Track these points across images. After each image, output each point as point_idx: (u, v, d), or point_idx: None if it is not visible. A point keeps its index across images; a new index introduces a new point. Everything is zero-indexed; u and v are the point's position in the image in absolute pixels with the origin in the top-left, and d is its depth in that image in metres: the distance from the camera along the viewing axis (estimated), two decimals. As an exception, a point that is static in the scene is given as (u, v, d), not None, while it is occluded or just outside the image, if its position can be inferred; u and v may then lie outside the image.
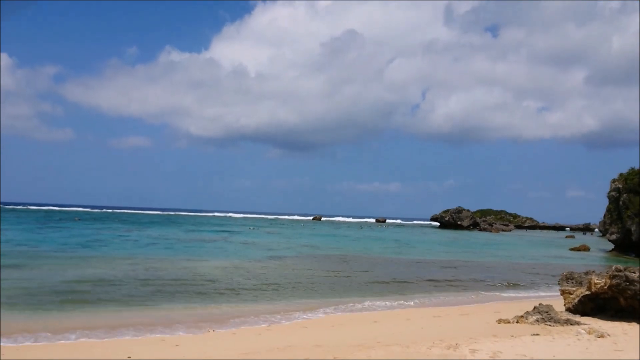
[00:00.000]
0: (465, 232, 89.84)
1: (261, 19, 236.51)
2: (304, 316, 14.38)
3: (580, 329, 11.08)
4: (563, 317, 12.32)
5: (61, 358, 9.31)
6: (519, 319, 12.45)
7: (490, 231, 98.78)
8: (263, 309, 15.08)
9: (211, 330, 12.14)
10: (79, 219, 75.06)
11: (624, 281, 12.24)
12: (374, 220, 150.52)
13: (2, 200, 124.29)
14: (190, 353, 9.69)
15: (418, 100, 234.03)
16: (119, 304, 14.98)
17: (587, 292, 13.24)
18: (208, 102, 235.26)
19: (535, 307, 12.73)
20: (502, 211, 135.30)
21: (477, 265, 32.07)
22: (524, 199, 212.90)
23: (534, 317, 12.27)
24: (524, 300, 17.73)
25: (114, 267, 22.40)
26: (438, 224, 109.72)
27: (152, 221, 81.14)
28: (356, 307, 16.17)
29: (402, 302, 17.44)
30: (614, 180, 49.55)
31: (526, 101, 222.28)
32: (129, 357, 9.31)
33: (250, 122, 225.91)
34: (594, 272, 14.16)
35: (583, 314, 13.14)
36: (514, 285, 23.09)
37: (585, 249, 49.88)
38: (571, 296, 13.73)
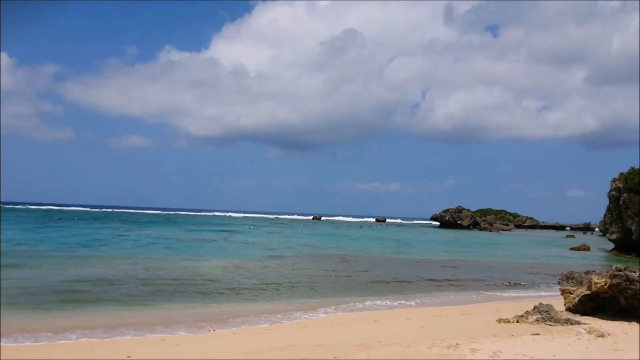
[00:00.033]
0: (466, 232, 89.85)
1: (261, 18, 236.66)
2: (305, 316, 14.38)
3: (580, 329, 11.07)
4: (563, 317, 12.31)
5: (62, 358, 9.30)
6: (519, 319, 12.44)
7: (491, 231, 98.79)
8: (263, 309, 15.07)
9: (211, 330, 12.13)
10: (78, 219, 75.04)
11: (624, 281, 12.23)
12: (374, 219, 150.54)
13: (1, 199, 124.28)
14: (191, 353, 9.68)
15: (418, 99, 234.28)
16: (119, 304, 14.97)
17: (588, 292, 13.23)
18: (208, 102, 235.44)
19: (535, 307, 12.72)
20: (502, 211, 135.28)
21: (478, 264, 32.06)
22: (524, 198, 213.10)
23: (534, 317, 12.26)
24: (524, 300, 17.73)
25: (113, 267, 22.39)
26: (438, 223, 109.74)
27: (152, 221, 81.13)
28: (356, 306, 16.17)
29: (402, 301, 17.44)
30: (614, 180, 49.55)
31: (526, 101, 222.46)
32: (129, 356, 9.31)
33: (250, 122, 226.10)
34: (594, 271, 14.16)
35: (583, 314, 13.14)
36: (514, 285, 23.09)
37: (585, 248, 49.87)
38: (571, 296, 13.72)
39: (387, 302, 17.21)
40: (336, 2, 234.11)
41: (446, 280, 23.59)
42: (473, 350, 8.89)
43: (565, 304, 13.82)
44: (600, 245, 57.80)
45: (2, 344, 10.22)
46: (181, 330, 12.00)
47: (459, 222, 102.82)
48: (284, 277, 21.88)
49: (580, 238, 78.43)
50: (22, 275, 19.05)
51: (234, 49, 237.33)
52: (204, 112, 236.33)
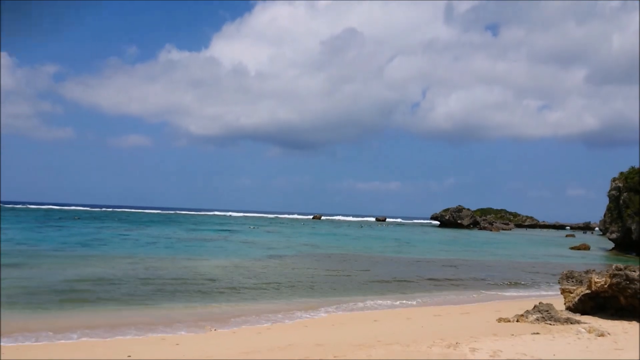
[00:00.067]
0: (466, 231, 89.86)
1: (261, 17, 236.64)
2: (305, 315, 14.38)
3: (580, 328, 11.07)
4: (563, 316, 12.32)
5: (62, 357, 9.31)
6: (519, 318, 12.44)
7: (491, 230, 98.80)
8: (264, 308, 15.08)
9: (212, 330, 12.13)
10: (78, 218, 75.04)
11: (624, 280, 12.24)
12: (374, 219, 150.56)
13: (2, 199, 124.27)
14: (191, 352, 9.69)
15: (418, 98, 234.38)
16: (119, 303, 14.97)
17: (588, 291, 13.24)
18: (208, 101, 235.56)
19: (535, 306, 12.72)
20: (502, 210, 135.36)
21: (478, 264, 32.08)
22: (524, 197, 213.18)
23: (534, 316, 12.26)
24: (524, 299, 17.74)
25: (114, 266, 22.40)
26: (438, 222, 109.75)
27: (152, 220, 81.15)
28: (357, 306, 16.18)
29: (402, 301, 17.45)
30: (614, 179, 49.56)
31: (526, 100, 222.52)
32: (129, 356, 9.32)
33: (250, 121, 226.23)
34: (594, 270, 14.16)
35: (583, 313, 13.14)
36: (515, 284, 23.10)
37: (585, 247, 49.88)
38: (571, 295, 13.73)
39: (388, 301, 17.22)
40: (336, 1, 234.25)
41: (446, 279, 23.60)
42: (473, 350, 8.89)
43: (565, 303, 13.83)
44: (600, 244, 57.81)
45: (3, 343, 10.23)
46: (182, 329, 12.00)
47: (459, 221, 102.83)
48: (284, 277, 21.89)
49: (580, 237, 78.44)
50: (23, 274, 19.05)
51: (234, 48, 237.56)
52: (204, 112, 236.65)
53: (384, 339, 10.30)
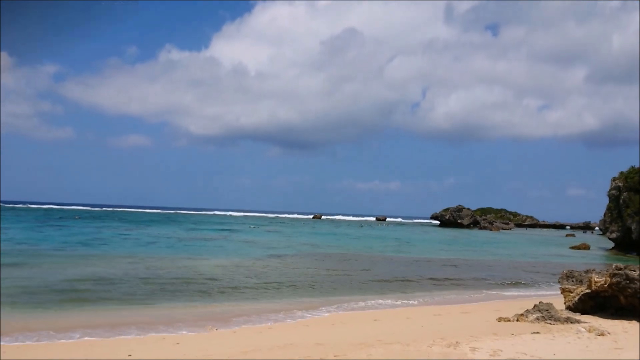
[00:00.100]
0: (466, 231, 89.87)
1: (261, 17, 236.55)
2: (305, 315, 14.40)
3: (580, 327, 11.08)
4: (563, 316, 12.33)
5: (63, 357, 9.32)
6: (519, 317, 12.45)
7: (491, 230, 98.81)
8: (264, 308, 15.09)
9: (214, 329, 12.15)
10: (79, 218, 75.09)
11: (624, 279, 12.25)
12: (374, 218, 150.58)
13: (2, 198, 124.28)
14: (191, 351, 9.70)
15: (418, 98, 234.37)
16: (120, 303, 14.99)
17: (588, 291, 13.25)
18: (208, 101, 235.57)
19: (535, 306, 12.73)
20: (502, 209, 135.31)
21: (478, 263, 32.09)
22: (524, 197, 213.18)
23: (534, 316, 12.27)
24: (525, 299, 17.74)
25: (114, 266, 22.41)
26: (438, 222, 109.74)
27: (152, 220, 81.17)
28: (357, 305, 16.19)
29: (403, 300, 17.46)
30: (614, 179, 49.56)
31: (526, 100, 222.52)
32: (130, 355, 9.33)
33: (250, 121, 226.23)
34: (594, 270, 14.18)
35: (583, 312, 13.15)
36: (515, 284, 23.11)
37: (585, 247, 49.90)
38: (571, 294, 13.74)
39: (388, 300, 17.24)
40: (336, 1, 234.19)
41: (447, 279, 23.61)
42: (473, 349, 8.90)
43: (565, 303, 13.84)
44: (600, 244, 57.81)
45: (3, 343, 10.24)
46: (183, 329, 12.02)
47: (459, 221, 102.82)
48: (285, 276, 21.90)
49: (581, 237, 78.45)
50: (23, 274, 19.07)
51: (234, 48, 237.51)
52: (204, 112, 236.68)
53: (384, 338, 10.31)
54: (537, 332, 10.65)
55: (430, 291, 19.84)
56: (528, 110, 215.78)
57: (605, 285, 12.66)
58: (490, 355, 8.55)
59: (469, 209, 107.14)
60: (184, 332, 11.73)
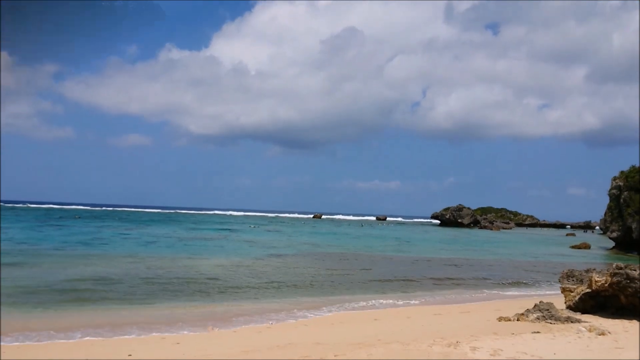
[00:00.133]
0: (466, 230, 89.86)
1: (261, 16, 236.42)
2: (306, 314, 14.40)
3: (580, 327, 11.07)
4: (564, 315, 12.32)
5: (64, 357, 9.32)
6: (520, 317, 12.44)
7: (491, 229, 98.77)
8: (264, 307, 15.10)
9: (215, 329, 12.14)
10: (79, 217, 75.12)
11: (625, 279, 12.24)
12: (374, 218, 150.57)
13: (2, 198, 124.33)
14: (191, 351, 9.70)
15: (418, 98, 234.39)
16: (121, 303, 14.99)
17: (588, 290, 13.24)
18: (208, 100, 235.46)
19: (535, 305, 12.72)
20: (502, 209, 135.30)
21: (478, 263, 32.08)
22: (525, 196, 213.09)
23: (535, 315, 12.26)
24: (525, 298, 17.74)
25: (114, 266, 22.42)
26: (438, 221, 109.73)
27: (153, 219, 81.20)
28: (357, 305, 16.19)
29: (403, 300, 17.46)
30: (614, 178, 49.53)
31: (527, 99, 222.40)
32: (130, 355, 9.33)
33: (251, 120, 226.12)
34: (594, 269, 14.15)
35: (584, 312, 13.14)
36: (515, 283, 23.10)
37: (586, 246, 49.89)
38: (572, 294, 13.73)
39: (389, 300, 17.24)
40: (336, 0, 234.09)
41: (447, 278, 23.61)
42: (473, 349, 8.89)
43: (565, 302, 13.83)
44: (600, 243, 57.80)
45: (3, 343, 10.24)
46: (184, 329, 12.02)
47: (459, 220, 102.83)
48: (285, 276, 21.90)
49: (581, 236, 78.42)
50: (23, 274, 19.08)
51: (234, 47, 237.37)
52: (204, 111, 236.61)
53: (384, 337, 10.31)
54: (538, 332, 10.64)
55: (430, 291, 19.83)
56: (528, 109, 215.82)
57: (606, 285, 12.65)
58: (491, 354, 8.54)
59: (469, 208, 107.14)
60: (185, 332, 11.73)
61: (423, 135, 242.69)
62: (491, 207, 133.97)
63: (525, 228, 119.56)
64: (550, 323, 11.73)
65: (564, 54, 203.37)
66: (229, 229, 60.95)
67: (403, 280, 22.40)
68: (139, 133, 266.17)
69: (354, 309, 15.62)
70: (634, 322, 11.83)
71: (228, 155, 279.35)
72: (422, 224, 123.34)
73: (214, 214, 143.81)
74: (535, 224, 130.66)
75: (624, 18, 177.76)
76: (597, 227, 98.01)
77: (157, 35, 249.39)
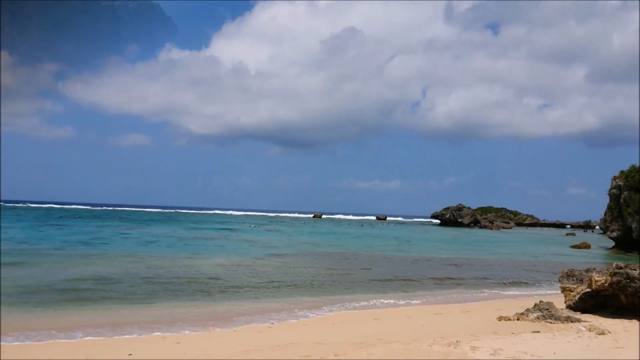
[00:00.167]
0: (466, 230, 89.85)
1: (261, 16, 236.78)
2: (306, 314, 14.41)
3: (580, 326, 11.08)
4: (564, 315, 12.33)
5: (64, 356, 9.33)
6: (520, 316, 12.46)
7: (491, 229, 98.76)
8: (265, 307, 15.11)
9: (216, 329, 12.16)
10: (79, 217, 75.13)
11: (625, 278, 12.25)
12: (374, 217, 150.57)
13: (2, 198, 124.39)
14: (192, 351, 9.71)
15: (418, 97, 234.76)
16: (121, 302, 15.00)
17: (588, 290, 13.25)
18: (208, 100, 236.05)
19: (535, 305, 12.74)
20: (502, 209, 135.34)
21: (478, 262, 32.09)
22: (525, 196, 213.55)
23: (535, 315, 12.28)
24: (525, 298, 17.75)
25: (115, 265, 22.43)
26: (438, 221, 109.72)
27: (153, 219, 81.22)
28: (358, 304, 16.20)
29: (403, 299, 17.47)
30: (614, 178, 49.53)
31: (527, 98, 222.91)
32: (130, 355, 9.34)
33: (251, 120, 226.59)
34: (594, 269, 14.17)
35: (584, 311, 13.16)
36: (515, 283, 23.11)
37: (586, 246, 49.89)
38: (572, 293, 13.74)
39: (389, 300, 17.25)
40: (336, 0, 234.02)
41: (447, 278, 23.62)
42: (474, 348, 8.91)
43: (565, 302, 13.84)
44: (600, 243, 57.80)
45: (4, 343, 10.25)
46: (185, 328, 12.03)
47: (459, 220, 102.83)
48: (286, 275, 21.92)
49: (581, 236, 78.42)
50: (23, 273, 19.09)
51: (234, 47, 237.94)
52: (204, 111, 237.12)
53: (385, 337, 10.32)
54: (538, 331, 10.66)
55: (431, 290, 19.84)
56: (528, 109, 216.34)
57: (606, 284, 12.66)
58: (491, 354, 8.55)
59: (469, 208, 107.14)
60: (185, 332, 11.74)
61: (423, 135, 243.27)
62: (491, 207, 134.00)
63: (525, 228, 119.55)
64: (550, 322, 11.74)
65: (564, 53, 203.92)
66: (229, 229, 60.95)
67: (403, 279, 22.41)
68: (139, 133, 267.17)
69: (354, 308, 15.63)
70: (634, 322, 11.84)
71: (228, 155, 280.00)
72: (422, 223, 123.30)
73: (214, 213, 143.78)
74: (535, 224, 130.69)
75: (624, 18, 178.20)
76: (597, 227, 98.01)
77: (157, 35, 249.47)
